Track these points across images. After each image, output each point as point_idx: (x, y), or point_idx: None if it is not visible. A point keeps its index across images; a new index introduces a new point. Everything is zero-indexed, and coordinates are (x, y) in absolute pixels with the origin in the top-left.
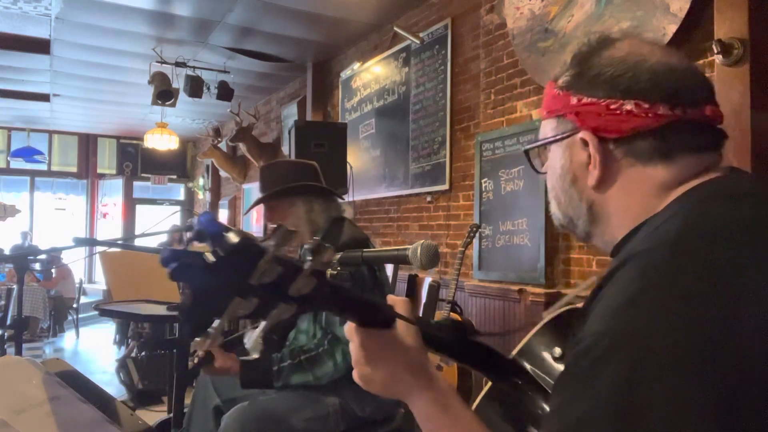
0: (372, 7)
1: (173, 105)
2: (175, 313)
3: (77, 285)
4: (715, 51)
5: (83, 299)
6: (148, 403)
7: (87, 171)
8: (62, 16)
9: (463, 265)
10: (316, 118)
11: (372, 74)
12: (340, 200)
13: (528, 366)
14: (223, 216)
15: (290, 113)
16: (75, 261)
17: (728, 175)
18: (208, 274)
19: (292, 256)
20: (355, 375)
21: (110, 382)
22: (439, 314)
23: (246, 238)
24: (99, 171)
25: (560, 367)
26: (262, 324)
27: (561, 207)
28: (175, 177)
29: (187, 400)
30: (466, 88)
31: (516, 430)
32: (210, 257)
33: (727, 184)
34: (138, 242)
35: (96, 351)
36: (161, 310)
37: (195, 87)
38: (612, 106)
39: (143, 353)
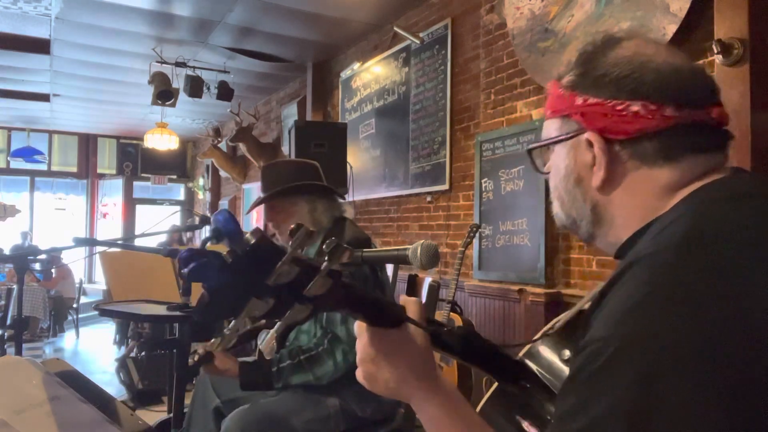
0: (372, 7)
1: (173, 105)
2: (175, 313)
3: (77, 285)
4: (715, 51)
5: (83, 299)
6: (148, 403)
7: (87, 171)
8: (62, 16)
9: (463, 265)
10: (316, 118)
11: (372, 74)
12: (341, 200)
13: (535, 368)
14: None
15: (290, 113)
16: (75, 261)
17: (733, 175)
18: (226, 274)
19: (308, 256)
20: (358, 374)
21: (110, 382)
22: (439, 314)
23: (265, 239)
24: (99, 171)
25: (568, 369)
26: (276, 325)
27: (564, 208)
28: (175, 177)
29: (187, 401)
30: (466, 88)
31: None
32: (228, 257)
33: (731, 185)
34: (138, 242)
35: (96, 351)
36: (161, 310)
37: (195, 87)
38: (618, 107)
39: (143, 353)
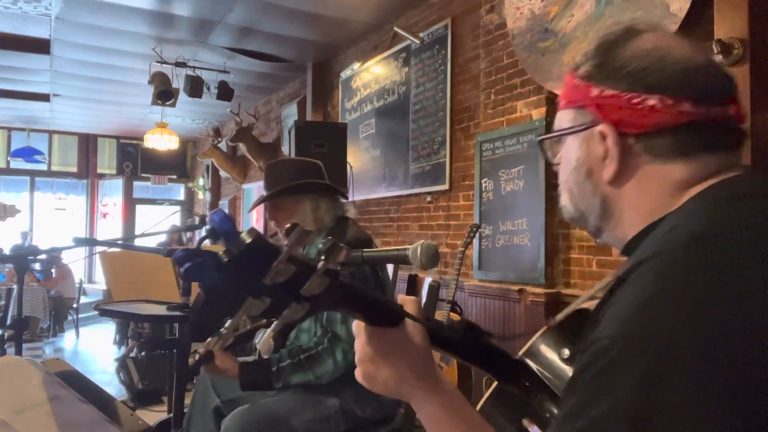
0: (372, 7)
1: (173, 105)
2: (175, 313)
3: (77, 285)
4: (715, 51)
5: (83, 299)
6: (148, 403)
7: (87, 171)
8: (62, 16)
9: (463, 265)
10: (316, 118)
11: (372, 74)
12: (343, 200)
13: (535, 367)
14: None
15: (290, 113)
16: (75, 261)
17: (745, 174)
18: (222, 273)
19: (305, 255)
20: (357, 373)
21: (110, 382)
22: (439, 314)
23: (261, 238)
24: (99, 171)
25: (568, 368)
26: (273, 324)
27: (573, 200)
28: (175, 177)
29: (187, 401)
30: (466, 88)
31: None
32: (223, 257)
33: (743, 184)
34: (138, 242)
35: (96, 351)
36: (161, 310)
37: (195, 87)
38: (634, 101)
39: (143, 353)
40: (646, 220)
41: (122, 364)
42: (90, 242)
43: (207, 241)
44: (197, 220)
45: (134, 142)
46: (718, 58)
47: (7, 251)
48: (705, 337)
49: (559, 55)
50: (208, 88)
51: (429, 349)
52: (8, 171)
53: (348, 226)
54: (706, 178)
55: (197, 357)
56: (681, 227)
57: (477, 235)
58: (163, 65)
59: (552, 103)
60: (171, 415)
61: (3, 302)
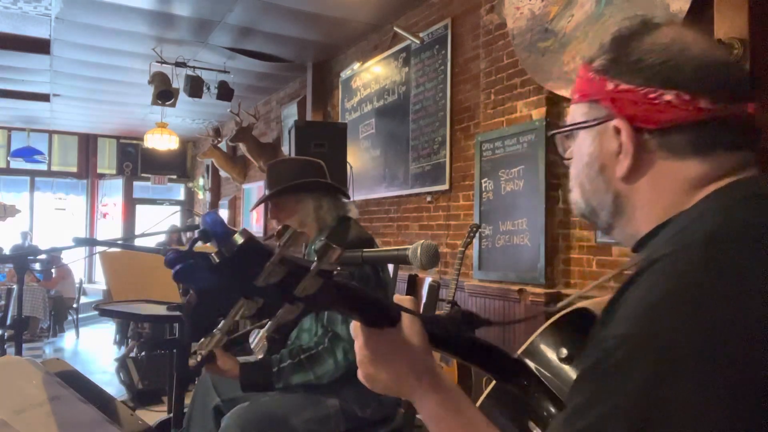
0: (372, 7)
1: (173, 105)
2: (175, 313)
3: (77, 285)
4: None
5: (83, 299)
6: (148, 403)
7: (87, 171)
8: (62, 16)
9: (463, 265)
10: (316, 118)
11: (372, 74)
12: (345, 200)
13: (533, 365)
14: (223, 216)
15: (290, 113)
16: (75, 261)
17: (761, 174)
18: (213, 275)
19: (298, 255)
20: (359, 374)
21: (110, 382)
22: (439, 314)
23: (252, 239)
24: (99, 171)
25: (566, 368)
26: (267, 324)
27: (584, 195)
28: (175, 177)
29: (187, 400)
30: (466, 88)
31: (519, 431)
32: (215, 258)
33: (759, 185)
34: (138, 242)
35: (96, 351)
36: (161, 310)
37: (195, 87)
38: (651, 95)
39: (143, 353)
40: (659, 217)
41: (122, 364)
42: (90, 242)
43: (199, 243)
44: (197, 220)
45: (134, 142)
46: None
47: (7, 251)
48: (709, 339)
49: (559, 55)
50: (208, 88)
51: (428, 348)
52: (8, 171)
53: (350, 226)
54: (722, 177)
55: (199, 357)
56: (694, 227)
57: (477, 235)
58: (163, 65)
59: (552, 103)
60: (171, 415)
61: (3, 302)
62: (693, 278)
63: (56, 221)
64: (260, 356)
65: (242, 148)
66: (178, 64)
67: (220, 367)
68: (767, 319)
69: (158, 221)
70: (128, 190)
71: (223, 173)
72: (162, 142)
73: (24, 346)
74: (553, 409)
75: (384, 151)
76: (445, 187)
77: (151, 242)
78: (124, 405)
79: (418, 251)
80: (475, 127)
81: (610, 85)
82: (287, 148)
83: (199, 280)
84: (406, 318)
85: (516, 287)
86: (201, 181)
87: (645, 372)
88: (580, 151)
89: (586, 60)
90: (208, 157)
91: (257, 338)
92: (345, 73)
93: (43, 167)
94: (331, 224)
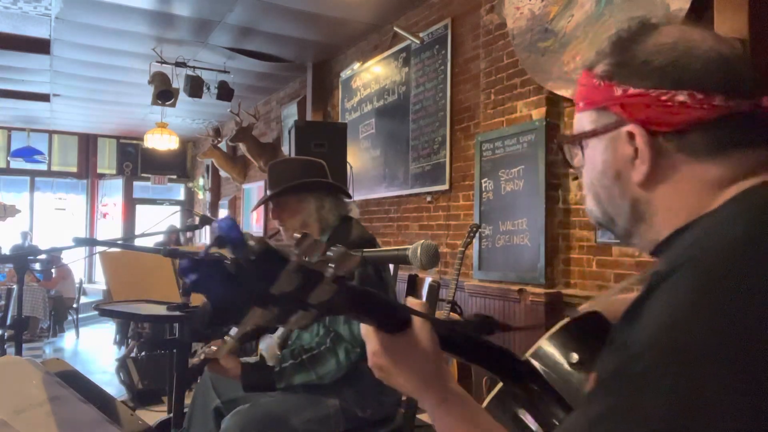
0: (372, 7)
1: (173, 105)
2: (175, 313)
3: (77, 285)
4: None
5: (83, 299)
6: (148, 403)
7: (87, 171)
8: (62, 16)
9: (463, 265)
10: (316, 118)
11: (372, 74)
12: (347, 200)
13: (541, 368)
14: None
15: (290, 113)
16: (75, 261)
17: None
18: (229, 283)
19: (312, 261)
20: (375, 375)
21: (110, 382)
22: (439, 314)
23: (269, 246)
24: (99, 171)
25: (576, 373)
26: (279, 331)
27: (600, 204)
28: (175, 177)
29: (187, 401)
30: (466, 88)
31: None
32: (230, 266)
33: None
34: (138, 242)
35: (96, 351)
36: (161, 310)
37: (195, 87)
38: (662, 97)
39: (143, 353)
40: (679, 222)
41: (122, 364)
42: (90, 242)
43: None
44: (197, 220)
45: (134, 142)
46: None
47: (7, 251)
48: (749, 348)
49: (559, 55)
50: (208, 88)
51: (439, 353)
52: (8, 171)
53: (352, 226)
54: (743, 177)
55: (203, 357)
56: (717, 232)
57: (477, 235)
58: (163, 65)
59: (552, 103)
60: (171, 415)
61: (3, 302)
62: (720, 287)
63: (56, 221)
64: (271, 363)
65: (242, 148)
66: (178, 64)
67: (222, 367)
68: None
69: (158, 221)
70: (128, 190)
71: (223, 173)
72: (162, 142)
73: (24, 346)
74: (561, 414)
75: (384, 151)
76: (445, 187)
77: (151, 242)
78: (124, 405)
79: (418, 251)
80: (475, 127)
81: (618, 91)
82: (287, 148)
83: (215, 290)
84: (417, 321)
85: (516, 287)
86: (201, 181)
87: (668, 384)
88: (593, 159)
89: (586, 66)
90: (208, 157)
91: (269, 345)
92: (345, 73)
93: (43, 167)
94: (333, 224)
